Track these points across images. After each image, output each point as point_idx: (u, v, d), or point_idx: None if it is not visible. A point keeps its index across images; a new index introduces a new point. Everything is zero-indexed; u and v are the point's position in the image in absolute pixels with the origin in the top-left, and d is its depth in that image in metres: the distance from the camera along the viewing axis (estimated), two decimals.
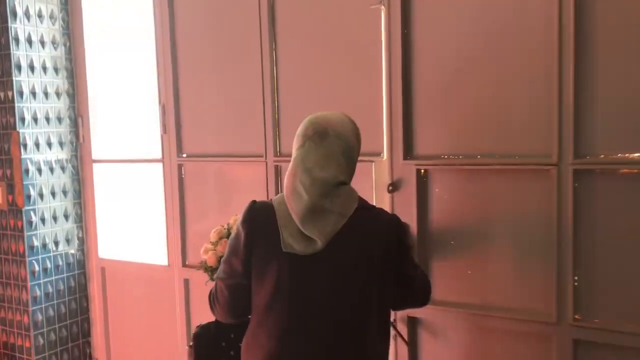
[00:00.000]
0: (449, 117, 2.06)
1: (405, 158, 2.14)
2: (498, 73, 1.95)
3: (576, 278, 1.84)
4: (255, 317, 1.52)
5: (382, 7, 2.13)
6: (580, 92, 1.80)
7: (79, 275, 3.16)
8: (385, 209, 1.62)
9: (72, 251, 3.12)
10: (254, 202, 1.56)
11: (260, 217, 1.52)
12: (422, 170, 2.12)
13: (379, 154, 2.22)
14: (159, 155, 2.86)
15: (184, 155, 2.80)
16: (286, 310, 1.45)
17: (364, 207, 1.52)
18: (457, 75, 2.02)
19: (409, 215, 2.10)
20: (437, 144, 2.09)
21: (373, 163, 2.24)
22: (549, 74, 1.84)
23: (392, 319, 2.14)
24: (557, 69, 1.82)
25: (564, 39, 1.80)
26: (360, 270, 1.46)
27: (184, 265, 2.83)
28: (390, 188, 2.16)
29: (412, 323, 2.17)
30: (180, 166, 2.81)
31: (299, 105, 2.42)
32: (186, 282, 2.83)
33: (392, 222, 1.55)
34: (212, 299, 1.64)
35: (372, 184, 2.26)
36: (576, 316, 1.85)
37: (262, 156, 2.54)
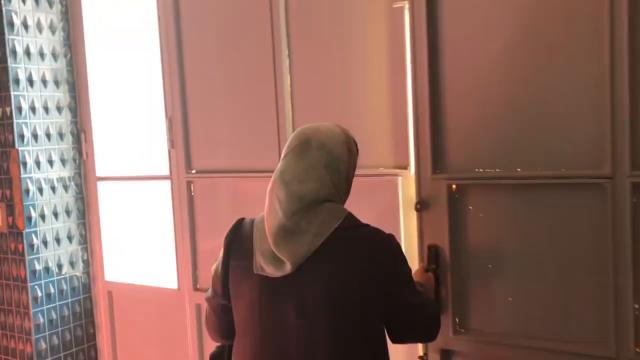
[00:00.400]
0: (483, 125, 1.83)
1: (434, 172, 1.90)
2: (540, 74, 1.73)
3: (637, 306, 1.62)
4: (235, 339, 1.46)
5: (406, 4, 1.93)
6: (637, 94, 1.58)
7: (85, 300, 2.98)
8: (381, 229, 1.40)
9: (77, 274, 2.94)
10: (240, 219, 1.50)
11: (241, 235, 1.45)
12: (454, 186, 1.89)
13: (405, 167, 2.02)
14: (166, 172, 2.69)
15: (193, 171, 2.63)
16: (257, 337, 1.37)
17: (349, 226, 1.35)
18: (492, 78, 1.80)
19: (440, 237, 1.89)
20: (470, 156, 1.86)
21: (400, 178, 2.04)
22: (601, 74, 1.62)
23: (422, 353, 1.94)
24: (609, 68, 1.60)
25: (616, 35, 1.58)
26: (334, 297, 1.31)
27: (195, 289, 2.64)
28: (418, 206, 1.93)
29: (446, 356, 1.95)
30: (189, 183, 2.63)
31: (316, 116, 2.22)
32: (198, 307, 2.64)
33: (380, 243, 1.37)
34: (205, 319, 1.59)
35: (399, 202, 2.06)
36: (638, 349, 1.63)
37: None
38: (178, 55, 2.59)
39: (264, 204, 2.45)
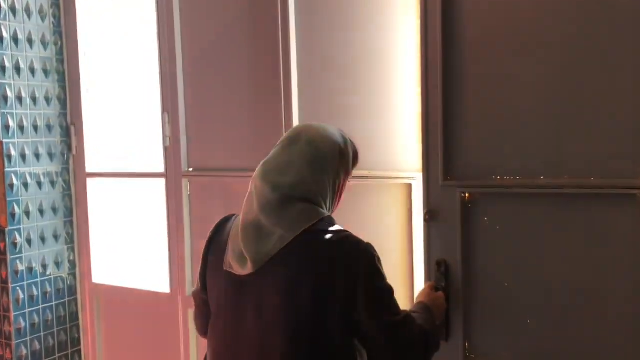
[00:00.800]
0: (502, 127, 1.65)
1: (445, 179, 1.72)
2: (571, 74, 1.56)
3: None
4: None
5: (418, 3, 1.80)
6: None
7: (70, 303, 2.81)
8: (357, 236, 1.27)
9: (63, 276, 2.78)
10: (231, 215, 1.44)
11: (225, 230, 1.39)
12: (467, 195, 1.71)
13: (412, 175, 1.90)
14: (161, 169, 2.54)
15: (190, 169, 2.48)
16: (220, 337, 1.32)
17: (319, 230, 1.24)
18: (513, 75, 1.63)
19: (450, 252, 1.72)
20: (486, 162, 1.68)
21: (413, 181, 1.92)
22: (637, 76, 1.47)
23: None
24: None
25: None
26: (290, 306, 1.22)
27: (189, 293, 2.49)
28: (427, 217, 1.75)
29: None
30: (185, 181, 2.48)
31: (321, 114, 2.11)
32: (192, 313, 2.49)
33: (349, 252, 1.23)
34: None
35: (410, 210, 1.94)
36: None
37: None
38: (177, 46, 2.44)
39: None
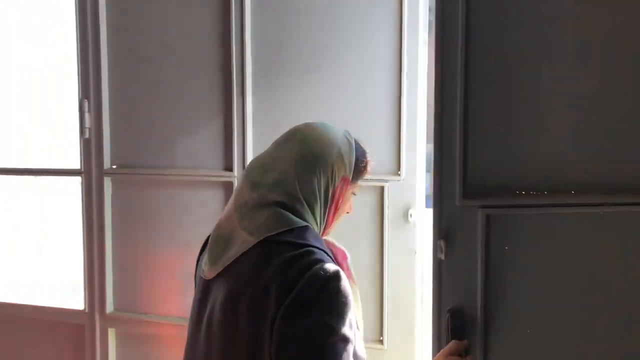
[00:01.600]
0: (531, 131, 1.26)
1: (465, 196, 1.29)
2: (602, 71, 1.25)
3: None
4: None
5: None
6: None
7: None
8: (326, 259, 1.01)
9: None
10: None
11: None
12: (488, 216, 1.28)
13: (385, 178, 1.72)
14: (77, 166, 2.18)
15: (113, 166, 2.14)
16: (186, 343, 1.17)
17: (279, 241, 1.03)
18: (540, 74, 1.28)
19: (468, 294, 1.27)
20: (508, 174, 1.29)
21: (386, 184, 1.74)
22: None
23: None
24: None
25: None
26: (226, 322, 1.04)
27: (111, 310, 2.15)
28: (441, 249, 1.30)
29: None
30: (108, 180, 2.15)
31: (277, 113, 1.89)
32: (113, 334, 2.15)
33: (293, 274, 0.97)
34: None
35: (382, 213, 1.76)
36: None
37: (228, 170, 1.96)
38: (98, 22, 2.10)
39: (205, 207, 2.09)
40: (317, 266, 0.98)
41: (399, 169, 1.77)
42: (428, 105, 1.68)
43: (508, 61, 1.31)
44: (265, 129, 1.92)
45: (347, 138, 1.19)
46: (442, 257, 1.29)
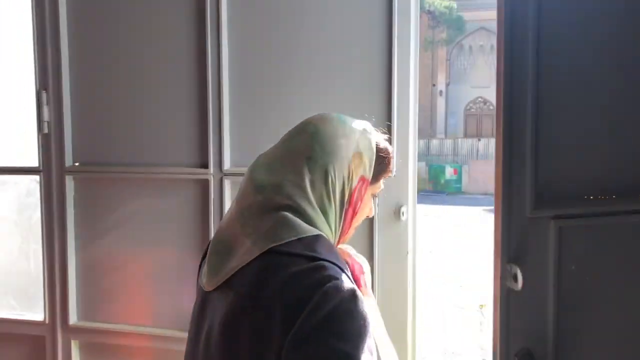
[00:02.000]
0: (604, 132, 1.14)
1: (536, 206, 1.10)
2: None
3: None
4: None
5: None
6: None
7: None
8: (340, 275, 0.87)
9: None
10: None
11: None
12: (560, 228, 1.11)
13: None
14: (35, 163, 1.99)
15: (76, 164, 1.96)
16: (185, 356, 1.04)
17: (290, 252, 0.89)
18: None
19: (539, 329, 1.08)
20: (577, 179, 1.13)
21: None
22: None
23: None
24: None
25: None
26: (229, 348, 0.90)
27: (75, 321, 1.98)
28: (515, 274, 1.08)
29: None
30: (68, 179, 1.96)
31: (258, 108, 1.74)
32: (75, 346, 1.98)
33: (302, 293, 0.84)
34: None
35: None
36: None
37: (204, 167, 1.81)
38: (56, 5, 1.92)
39: (179, 209, 1.94)
40: (330, 284, 0.84)
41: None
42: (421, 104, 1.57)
43: (579, 67, 1.18)
44: (244, 121, 1.78)
45: (366, 131, 1.05)
46: (518, 286, 1.05)
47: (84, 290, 1.99)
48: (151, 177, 1.88)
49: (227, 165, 1.79)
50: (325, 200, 0.96)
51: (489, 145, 19.29)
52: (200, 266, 1.08)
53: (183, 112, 1.82)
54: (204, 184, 1.82)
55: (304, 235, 0.90)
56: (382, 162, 1.05)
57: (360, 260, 1.11)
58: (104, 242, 1.95)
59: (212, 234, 1.79)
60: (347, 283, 0.85)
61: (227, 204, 1.80)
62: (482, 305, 5.50)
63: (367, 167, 1.02)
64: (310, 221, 0.93)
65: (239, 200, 0.97)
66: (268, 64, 1.75)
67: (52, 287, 1.99)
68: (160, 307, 1.91)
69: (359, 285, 0.94)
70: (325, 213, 0.96)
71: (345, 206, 1.00)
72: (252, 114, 1.77)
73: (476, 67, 22.68)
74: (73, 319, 1.98)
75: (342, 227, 1.00)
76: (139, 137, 1.88)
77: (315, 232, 0.92)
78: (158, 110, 1.85)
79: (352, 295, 0.84)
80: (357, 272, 1.08)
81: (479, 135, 21.44)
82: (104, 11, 1.89)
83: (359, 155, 1.00)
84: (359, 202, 1.02)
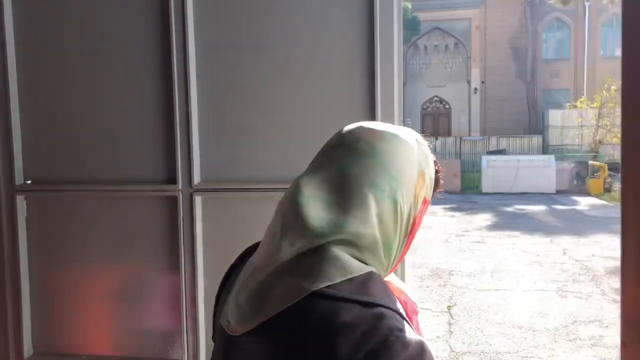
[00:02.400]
0: None
1: None
2: None
3: None
4: None
5: None
6: None
7: None
8: (402, 323, 0.74)
9: None
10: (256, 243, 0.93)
11: (240, 264, 0.92)
12: None
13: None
14: None
15: (27, 181, 1.79)
16: None
17: (339, 297, 0.75)
18: None
19: None
20: None
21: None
22: None
23: None
24: None
25: None
26: None
27: (30, 354, 1.80)
28: None
29: None
30: (19, 198, 1.79)
31: (230, 102, 1.62)
32: None
33: (361, 351, 0.71)
34: None
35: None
36: None
37: (171, 182, 1.67)
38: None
39: (147, 227, 1.79)
40: (394, 338, 0.71)
41: None
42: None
43: None
44: (215, 132, 1.65)
45: (420, 143, 0.89)
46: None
47: (40, 319, 1.82)
48: (114, 195, 1.73)
49: (197, 180, 1.66)
50: (391, 233, 0.82)
51: (445, 145, 19.55)
52: (217, 298, 0.93)
53: (148, 123, 1.68)
54: (173, 200, 1.68)
55: (354, 275, 0.77)
56: (436, 176, 0.91)
57: (413, 300, 0.95)
58: (61, 267, 1.79)
59: (182, 254, 1.66)
60: (411, 334, 0.73)
61: (198, 222, 1.67)
62: (449, 306, 5.50)
63: (429, 187, 0.88)
64: (360, 256, 0.79)
65: (282, 228, 0.81)
66: (240, 68, 1.63)
67: (3, 314, 1.81)
68: (126, 333, 1.76)
69: (416, 328, 0.81)
70: (387, 246, 0.82)
71: (408, 235, 0.85)
72: (224, 123, 1.64)
73: (431, 67, 22.99)
74: (28, 350, 1.80)
75: (394, 261, 0.85)
76: (100, 151, 1.73)
77: (366, 269, 0.78)
78: (120, 121, 1.70)
79: (421, 349, 0.72)
80: (409, 311, 0.91)
81: (435, 134, 21.73)
82: (58, 15, 1.73)
83: (422, 175, 0.86)
84: (417, 227, 0.88)
